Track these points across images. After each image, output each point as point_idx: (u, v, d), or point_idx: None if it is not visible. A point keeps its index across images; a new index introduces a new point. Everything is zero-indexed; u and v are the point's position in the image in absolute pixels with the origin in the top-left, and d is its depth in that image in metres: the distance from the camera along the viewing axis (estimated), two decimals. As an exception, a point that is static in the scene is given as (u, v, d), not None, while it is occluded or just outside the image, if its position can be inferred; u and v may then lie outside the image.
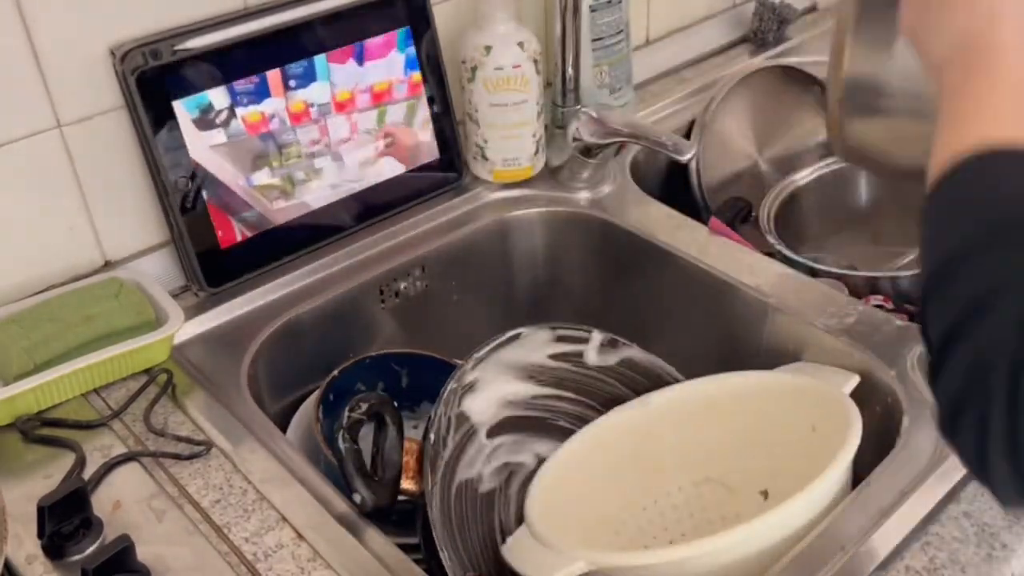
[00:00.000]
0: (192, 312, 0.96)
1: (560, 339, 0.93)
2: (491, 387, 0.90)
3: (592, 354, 0.94)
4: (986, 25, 0.56)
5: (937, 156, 0.52)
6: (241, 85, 0.96)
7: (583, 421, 0.93)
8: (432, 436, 0.82)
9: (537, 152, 1.15)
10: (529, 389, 0.92)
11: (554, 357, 0.93)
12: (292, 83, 0.99)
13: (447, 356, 1.03)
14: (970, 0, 0.58)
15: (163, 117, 0.92)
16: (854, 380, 0.85)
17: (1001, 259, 0.46)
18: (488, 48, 1.07)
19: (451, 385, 0.86)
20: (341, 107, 1.03)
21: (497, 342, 0.89)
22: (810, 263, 1.06)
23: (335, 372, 0.95)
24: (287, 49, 0.98)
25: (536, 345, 0.92)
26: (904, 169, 0.77)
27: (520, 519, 0.91)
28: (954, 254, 0.47)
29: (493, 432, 0.90)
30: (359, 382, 0.97)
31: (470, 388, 0.88)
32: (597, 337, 0.94)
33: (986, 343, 0.45)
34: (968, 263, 0.47)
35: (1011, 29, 0.56)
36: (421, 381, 1.02)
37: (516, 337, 0.91)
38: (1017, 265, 0.45)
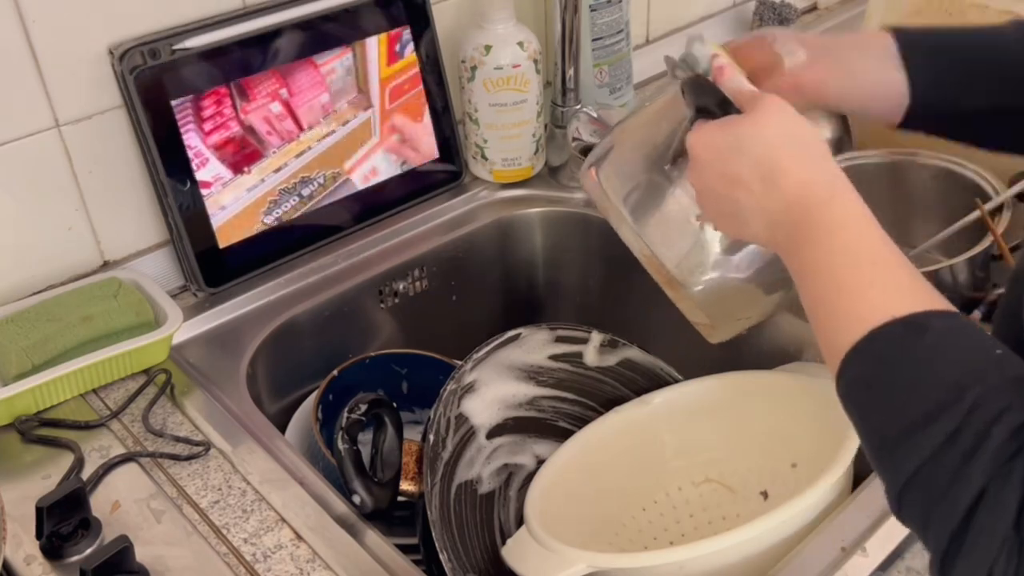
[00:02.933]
0: (191, 312, 0.96)
1: (559, 339, 0.93)
2: (490, 388, 0.89)
3: (591, 354, 0.94)
4: (795, 199, 0.59)
5: (832, 341, 0.55)
6: (240, 84, 0.96)
7: (583, 422, 0.92)
8: (431, 437, 0.82)
9: (537, 152, 1.15)
10: (529, 390, 0.92)
11: (553, 358, 0.93)
12: (291, 82, 0.99)
13: (447, 356, 1.03)
14: (763, 189, 0.61)
15: (162, 116, 0.92)
16: None
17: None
18: (488, 48, 1.07)
19: (450, 386, 0.85)
20: (341, 106, 1.03)
21: (496, 343, 0.89)
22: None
23: (334, 372, 0.95)
24: (286, 48, 0.98)
25: (535, 346, 0.92)
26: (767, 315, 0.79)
27: (520, 520, 0.91)
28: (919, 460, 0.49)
29: (492, 433, 0.89)
30: (358, 382, 0.97)
31: (469, 389, 0.88)
32: (596, 337, 0.94)
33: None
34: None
35: (820, 192, 0.59)
36: (421, 381, 1.02)
37: (515, 338, 0.90)
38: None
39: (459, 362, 0.89)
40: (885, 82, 0.74)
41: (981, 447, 0.47)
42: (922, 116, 0.74)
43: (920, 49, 0.74)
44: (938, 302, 0.53)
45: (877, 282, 0.55)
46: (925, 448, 0.48)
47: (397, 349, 1.04)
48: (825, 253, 0.57)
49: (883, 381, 0.52)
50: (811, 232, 0.58)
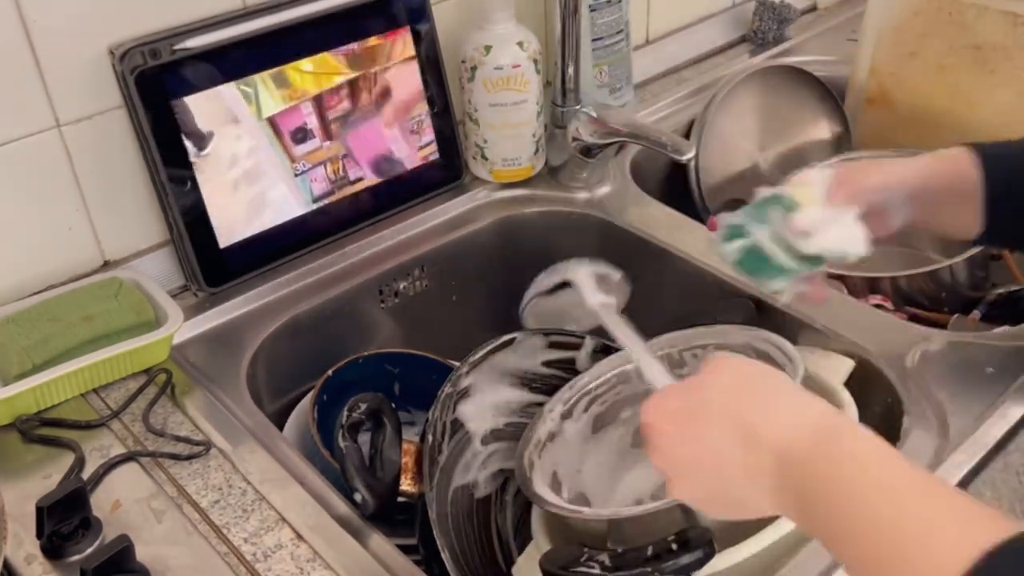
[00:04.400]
0: (191, 312, 0.96)
1: (553, 345, 0.93)
2: (485, 393, 0.89)
3: (584, 361, 0.94)
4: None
5: None
6: (240, 84, 0.96)
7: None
8: (429, 438, 0.82)
9: (537, 152, 1.15)
10: (523, 396, 0.92)
11: (547, 364, 0.93)
12: (291, 82, 0.99)
13: (447, 356, 1.03)
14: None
15: (162, 116, 0.92)
16: (848, 365, 0.85)
17: None
18: (488, 48, 1.07)
19: (446, 389, 0.86)
20: (340, 106, 1.03)
21: (491, 347, 0.89)
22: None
23: (329, 372, 0.95)
24: (286, 48, 0.98)
25: (529, 351, 0.92)
26: None
27: (517, 524, 0.91)
28: None
29: (487, 439, 0.89)
30: (352, 382, 0.97)
31: (464, 394, 0.88)
32: (589, 343, 0.94)
33: None
34: None
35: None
36: (413, 381, 1.02)
37: (510, 342, 0.90)
38: None
39: (455, 363, 0.89)
40: (965, 221, 0.79)
41: None
42: (989, 243, 0.82)
43: (1001, 177, 0.77)
44: (1001, 517, 0.46)
45: (937, 519, 0.46)
46: None
47: (391, 349, 1.04)
48: (855, 503, 0.48)
49: None
50: (824, 485, 0.49)
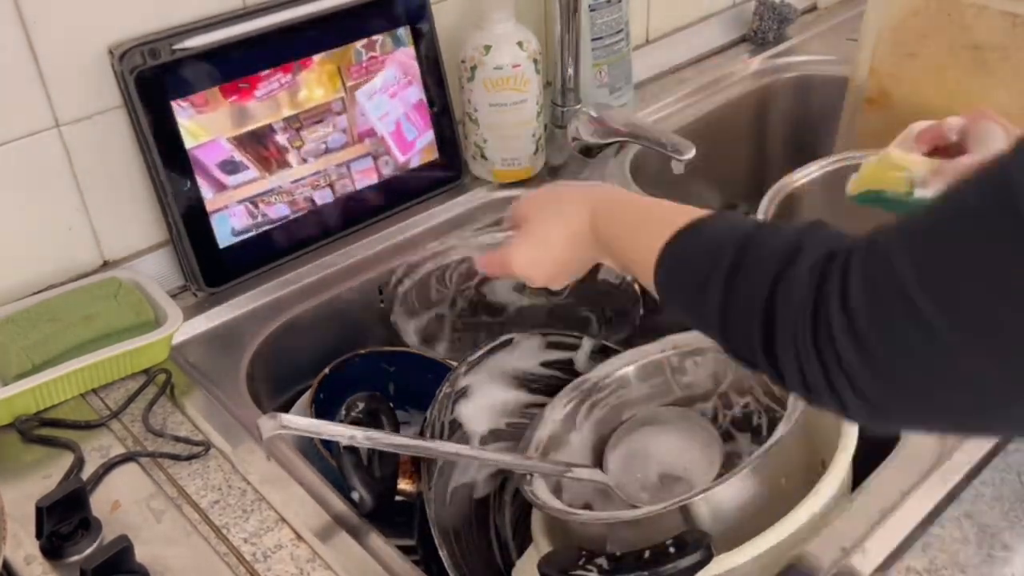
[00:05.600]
0: (191, 312, 0.96)
1: (551, 345, 0.93)
2: (483, 394, 0.89)
3: (582, 362, 0.94)
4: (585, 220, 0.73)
5: (644, 267, 0.66)
6: (239, 84, 0.96)
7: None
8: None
9: (537, 152, 1.15)
10: (521, 397, 0.92)
11: (545, 364, 0.93)
12: (291, 82, 0.99)
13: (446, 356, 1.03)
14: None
15: (162, 116, 0.92)
16: None
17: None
18: (488, 48, 1.07)
19: (444, 389, 0.85)
20: (340, 106, 1.03)
21: (489, 347, 0.89)
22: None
23: (326, 370, 0.95)
24: (286, 48, 0.98)
25: (528, 351, 0.92)
26: None
27: (516, 524, 0.91)
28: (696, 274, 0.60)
29: (485, 440, 0.89)
30: (349, 381, 0.97)
31: (463, 394, 0.88)
32: (587, 344, 0.94)
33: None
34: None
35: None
36: (409, 381, 1.02)
37: (508, 343, 0.90)
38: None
39: (453, 362, 0.88)
40: None
41: (759, 256, 0.56)
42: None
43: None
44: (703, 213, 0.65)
45: (664, 219, 0.65)
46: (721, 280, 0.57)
47: (387, 347, 1.04)
48: (628, 220, 0.71)
49: (686, 259, 0.62)
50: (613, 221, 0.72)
